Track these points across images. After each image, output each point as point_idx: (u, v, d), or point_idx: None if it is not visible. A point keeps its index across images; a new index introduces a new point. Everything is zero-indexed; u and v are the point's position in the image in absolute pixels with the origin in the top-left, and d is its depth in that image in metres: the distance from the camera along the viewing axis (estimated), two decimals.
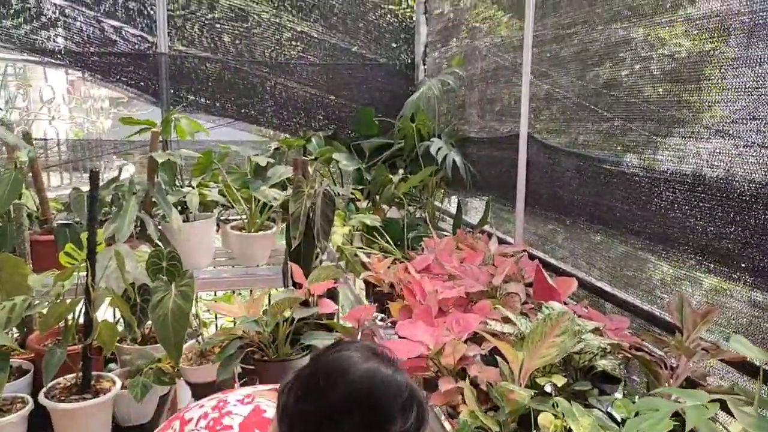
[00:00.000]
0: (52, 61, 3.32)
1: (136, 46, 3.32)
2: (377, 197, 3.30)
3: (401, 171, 3.25)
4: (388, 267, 2.45)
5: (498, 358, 1.45)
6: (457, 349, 1.49)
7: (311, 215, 2.64)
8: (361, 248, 2.80)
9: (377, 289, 2.40)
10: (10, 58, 3.78)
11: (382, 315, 2.39)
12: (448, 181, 3.24)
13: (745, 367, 1.39)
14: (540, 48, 2.23)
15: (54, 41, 3.23)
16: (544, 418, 1.23)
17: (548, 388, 1.48)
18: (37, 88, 5.45)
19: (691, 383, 1.38)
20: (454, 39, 3.33)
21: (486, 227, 2.77)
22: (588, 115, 1.94)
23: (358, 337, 2.16)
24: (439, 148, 2.86)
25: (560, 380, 1.34)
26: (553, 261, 2.22)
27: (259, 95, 3.49)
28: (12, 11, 3.13)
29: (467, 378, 1.49)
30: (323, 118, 3.64)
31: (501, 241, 2.44)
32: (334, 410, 0.84)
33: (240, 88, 3.46)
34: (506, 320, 1.66)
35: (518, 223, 2.42)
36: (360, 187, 3.32)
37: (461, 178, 3.01)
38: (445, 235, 2.69)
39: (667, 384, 1.37)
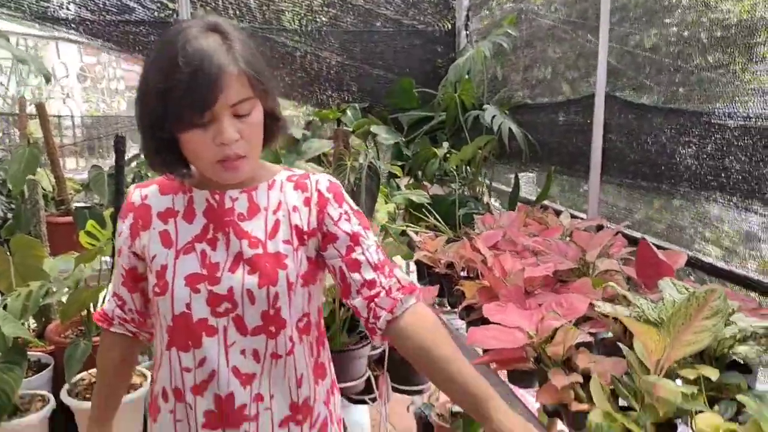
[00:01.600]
0: (65, 32, 3.07)
1: (156, 14, 3.06)
2: (420, 173, 3.04)
3: (445, 144, 2.98)
4: (443, 246, 2.19)
5: (622, 346, 1.19)
6: (570, 336, 1.22)
7: (354, 190, 2.38)
8: (409, 226, 2.53)
9: (433, 270, 2.14)
10: (22, 32, 3.54)
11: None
12: (497, 154, 2.96)
13: None
14: None
15: (66, 8, 2.97)
16: (706, 421, 0.96)
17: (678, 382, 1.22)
18: (50, 65, 5.22)
19: None
20: (498, 2, 3.04)
21: (547, 202, 2.49)
22: (687, 65, 1.66)
23: None
24: (493, 116, 2.59)
25: (713, 373, 1.07)
26: (638, 235, 1.94)
27: (289, 66, 3.22)
28: None
29: (577, 371, 1.23)
30: (357, 90, 3.36)
31: (572, 216, 2.17)
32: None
33: (268, 58, 3.18)
34: (612, 301, 1.40)
35: (592, 195, 2.14)
36: (400, 163, 3.05)
37: (513, 151, 2.74)
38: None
39: None
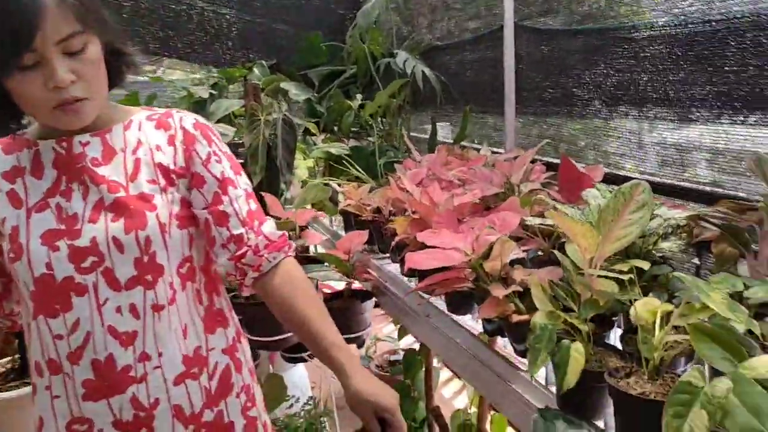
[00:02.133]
0: None
1: None
2: (335, 128, 2.97)
3: (359, 97, 2.92)
4: (368, 194, 2.16)
5: (557, 253, 1.20)
6: (506, 248, 1.22)
7: (271, 145, 2.29)
8: (331, 179, 2.47)
9: (360, 218, 2.10)
10: None
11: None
12: (411, 101, 2.94)
13: None
14: None
15: None
16: (644, 306, 0.99)
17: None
18: None
19: None
20: None
21: (465, 143, 2.51)
22: None
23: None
24: (405, 61, 2.55)
25: (645, 264, 1.10)
26: (556, 161, 1.99)
27: (185, 25, 3.02)
28: None
29: (515, 284, 1.24)
30: (262, 48, 3.22)
31: (492, 153, 2.19)
32: None
33: (162, 18, 2.97)
34: (541, 216, 1.42)
35: (509, 128, 2.17)
36: (314, 120, 2.97)
37: (428, 96, 2.73)
38: None
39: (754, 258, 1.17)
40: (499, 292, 1.17)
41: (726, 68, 1.33)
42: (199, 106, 2.61)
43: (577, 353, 0.96)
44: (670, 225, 1.30)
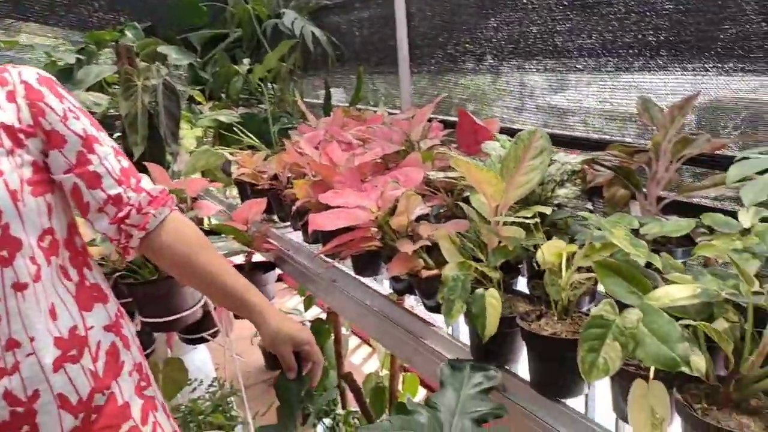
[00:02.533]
0: None
1: None
2: (223, 95, 2.80)
3: (246, 61, 2.76)
4: (263, 161, 2.05)
5: (463, 205, 1.19)
6: (413, 202, 1.19)
7: (152, 113, 2.11)
8: (223, 149, 2.33)
9: (256, 187, 1.99)
10: None
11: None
12: (302, 65, 2.84)
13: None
14: None
15: None
16: (550, 248, 1.00)
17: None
18: None
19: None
20: None
21: (361, 106, 2.45)
22: None
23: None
24: (293, 21, 2.43)
25: (547, 209, 1.11)
26: (454, 119, 1.99)
27: None
28: None
29: (422, 239, 1.22)
30: (134, 9, 2.94)
31: (389, 114, 2.15)
32: None
33: None
34: (444, 170, 1.41)
35: (404, 87, 2.14)
36: (199, 87, 2.78)
37: (319, 58, 2.63)
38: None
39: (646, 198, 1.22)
40: (407, 247, 1.14)
41: (611, 16, 1.36)
42: (64, 75, 2.34)
43: (494, 299, 0.95)
44: (566, 171, 1.33)
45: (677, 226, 0.99)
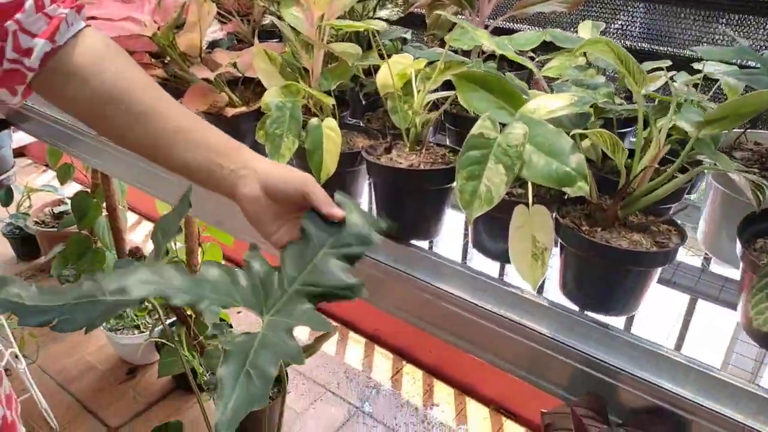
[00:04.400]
0: None
1: None
2: None
3: None
4: None
5: (276, 21, 0.92)
6: (205, 11, 0.87)
7: None
8: None
9: None
10: None
11: None
12: None
13: None
14: None
15: None
16: (396, 67, 0.80)
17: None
18: None
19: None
20: None
21: None
22: None
23: None
24: None
25: (380, 24, 0.90)
26: None
27: None
28: None
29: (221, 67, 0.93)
30: None
31: None
32: None
33: None
34: None
35: None
36: None
37: None
38: None
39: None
40: (205, 73, 0.86)
41: None
42: None
43: (332, 132, 0.75)
44: None
45: (528, 38, 0.87)
